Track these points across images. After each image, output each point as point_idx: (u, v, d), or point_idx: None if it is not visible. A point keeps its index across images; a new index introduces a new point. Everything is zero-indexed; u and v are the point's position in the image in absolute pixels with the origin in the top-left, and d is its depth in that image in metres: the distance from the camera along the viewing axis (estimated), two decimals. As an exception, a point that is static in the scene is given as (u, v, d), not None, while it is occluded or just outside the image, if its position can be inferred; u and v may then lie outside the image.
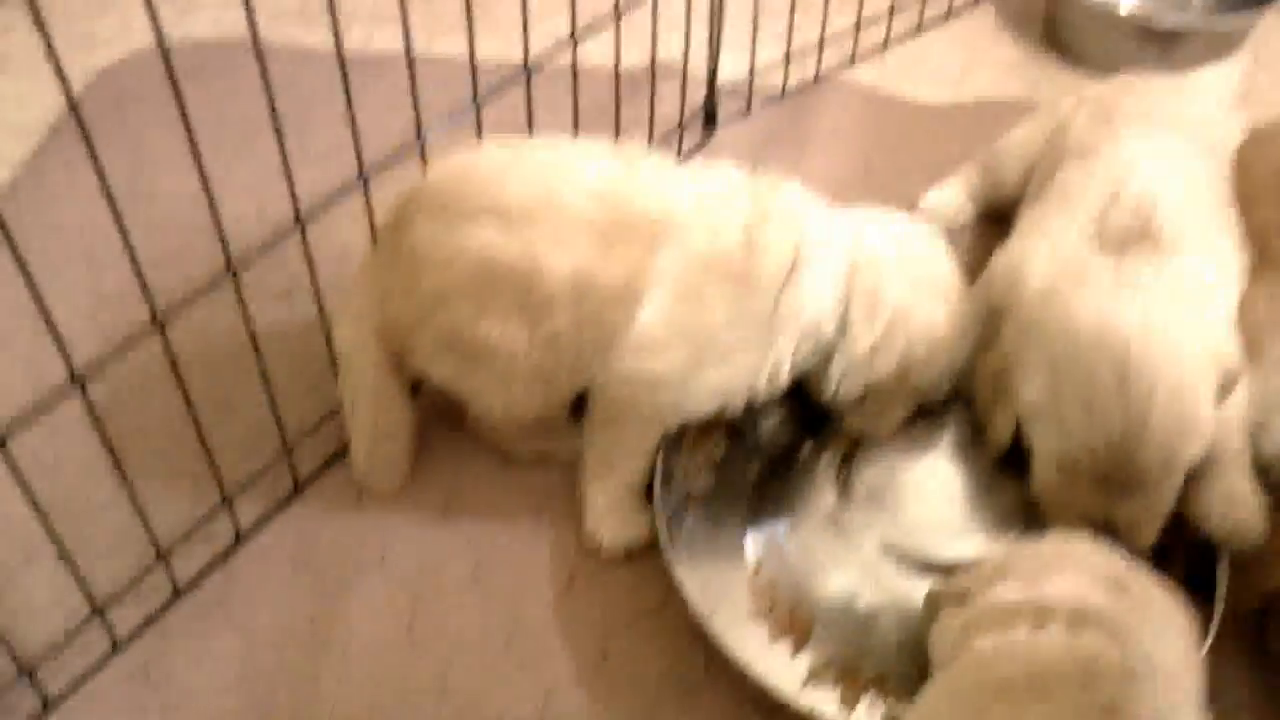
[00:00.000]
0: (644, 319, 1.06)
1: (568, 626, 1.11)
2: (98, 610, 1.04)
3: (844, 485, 1.18)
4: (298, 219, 1.01)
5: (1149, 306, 1.02)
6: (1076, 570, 0.89)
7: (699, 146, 1.64)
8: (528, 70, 1.22)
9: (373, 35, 1.80)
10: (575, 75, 1.34)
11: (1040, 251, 1.15)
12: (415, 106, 1.09)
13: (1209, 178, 1.24)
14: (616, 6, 1.32)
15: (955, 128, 1.68)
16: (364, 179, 1.07)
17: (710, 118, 1.66)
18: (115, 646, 1.07)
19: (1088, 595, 0.86)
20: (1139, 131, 1.25)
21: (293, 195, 0.99)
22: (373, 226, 1.15)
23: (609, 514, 1.15)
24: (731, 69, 1.65)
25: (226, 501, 1.12)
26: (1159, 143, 1.23)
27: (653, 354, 1.06)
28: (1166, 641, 0.85)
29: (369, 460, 1.19)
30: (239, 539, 1.15)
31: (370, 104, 1.14)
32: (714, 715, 1.05)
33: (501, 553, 1.17)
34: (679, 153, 1.61)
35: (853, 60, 1.81)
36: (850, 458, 1.20)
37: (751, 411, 1.16)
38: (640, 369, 1.07)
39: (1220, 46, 1.80)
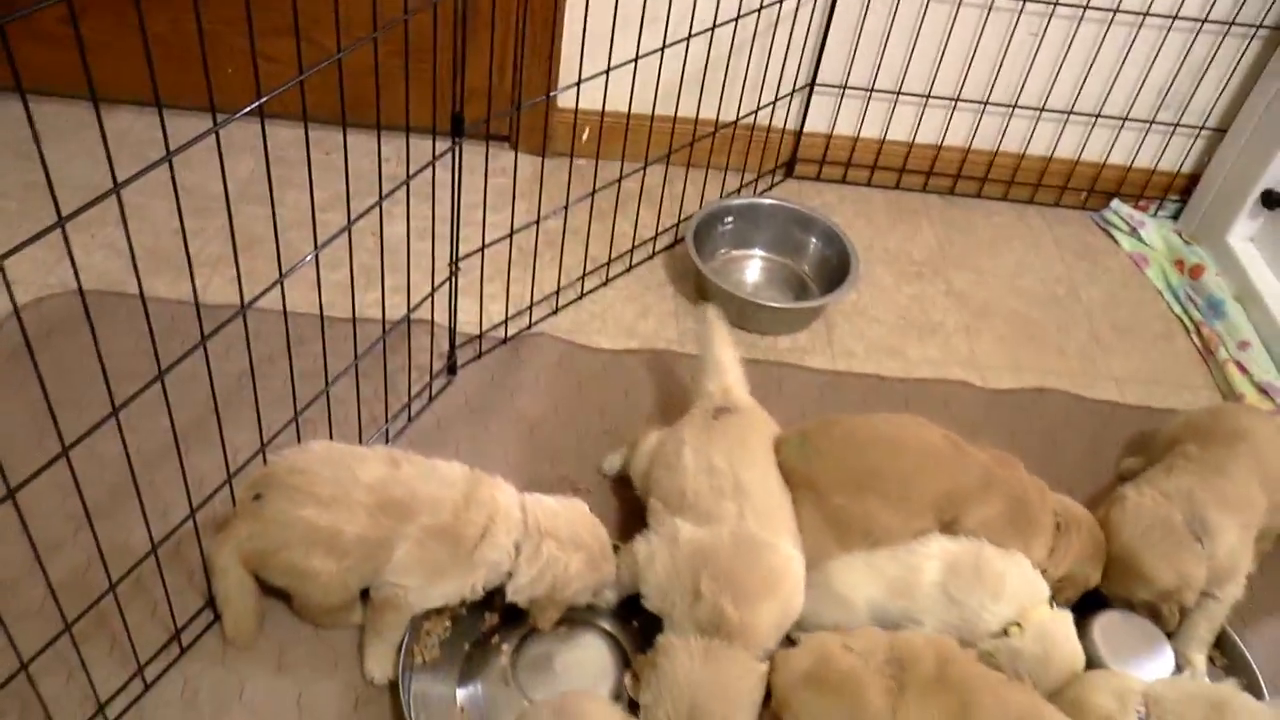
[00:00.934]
0: (396, 559, 1.82)
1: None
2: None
3: (516, 657, 1.96)
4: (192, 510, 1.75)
5: None
6: None
7: (446, 386, 2.41)
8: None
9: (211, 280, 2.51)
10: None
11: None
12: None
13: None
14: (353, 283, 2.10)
15: (625, 370, 2.51)
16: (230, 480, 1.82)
17: (452, 368, 2.43)
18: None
19: None
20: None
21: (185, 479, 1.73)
22: (233, 499, 1.88)
23: (377, 662, 1.90)
24: (466, 324, 2.45)
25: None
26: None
27: (400, 578, 1.83)
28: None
29: (234, 629, 1.90)
30: (147, 686, 1.87)
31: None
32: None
33: (316, 685, 1.89)
34: (431, 394, 2.38)
35: (556, 310, 2.63)
36: (525, 639, 1.98)
37: (465, 607, 1.95)
38: (395, 584, 1.84)
39: (807, 318, 2.71)
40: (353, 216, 1.83)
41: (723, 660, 1.71)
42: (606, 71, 2.34)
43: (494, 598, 1.94)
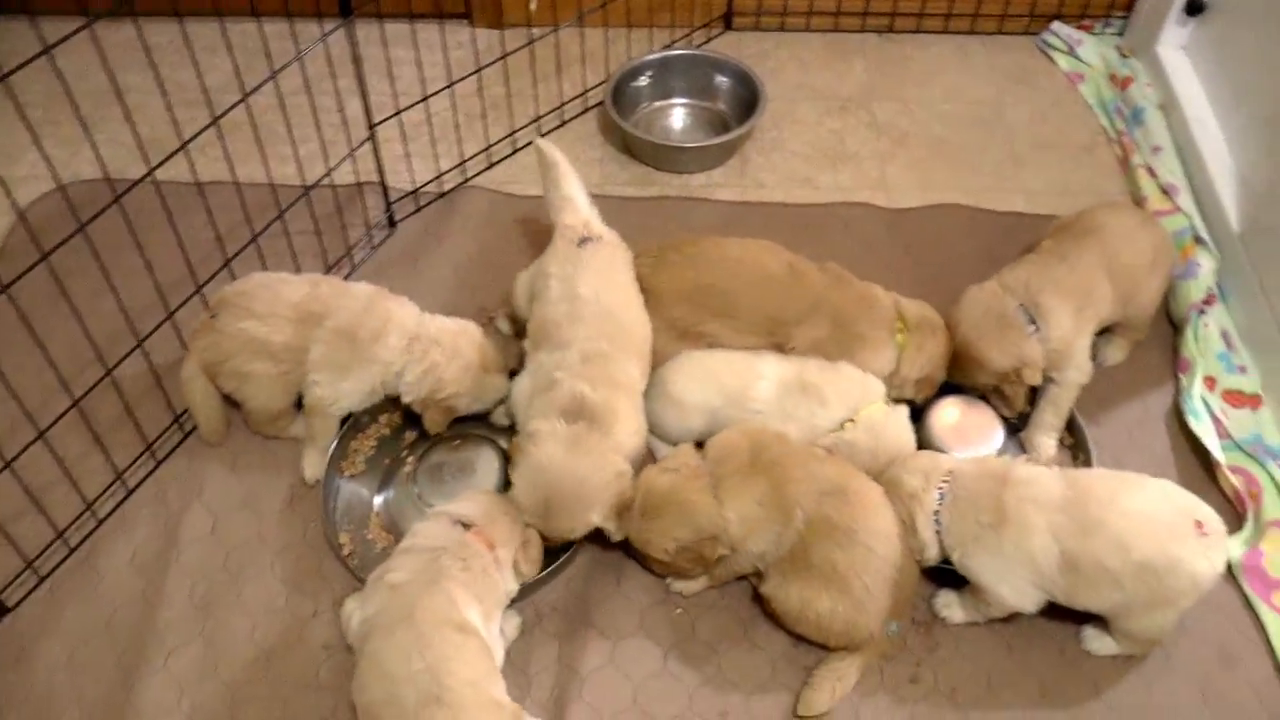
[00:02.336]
0: (311, 357, 2.18)
1: (288, 523, 2.27)
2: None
3: (418, 465, 2.30)
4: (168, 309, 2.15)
5: None
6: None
7: (387, 238, 2.77)
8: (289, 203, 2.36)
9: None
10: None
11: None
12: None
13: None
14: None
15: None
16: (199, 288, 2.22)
17: (392, 221, 2.78)
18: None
19: None
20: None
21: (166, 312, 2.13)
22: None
23: (310, 465, 2.29)
24: (407, 181, 2.79)
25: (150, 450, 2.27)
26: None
27: (315, 374, 2.19)
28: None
29: (205, 428, 2.32)
30: (129, 491, 2.30)
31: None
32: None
33: (261, 483, 2.29)
34: (374, 245, 2.74)
35: (491, 165, 2.94)
36: (427, 451, 2.33)
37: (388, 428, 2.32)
38: (312, 381, 2.21)
39: (722, 154, 2.97)
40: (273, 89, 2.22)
41: (585, 446, 1.98)
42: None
43: (411, 421, 2.31)
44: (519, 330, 2.41)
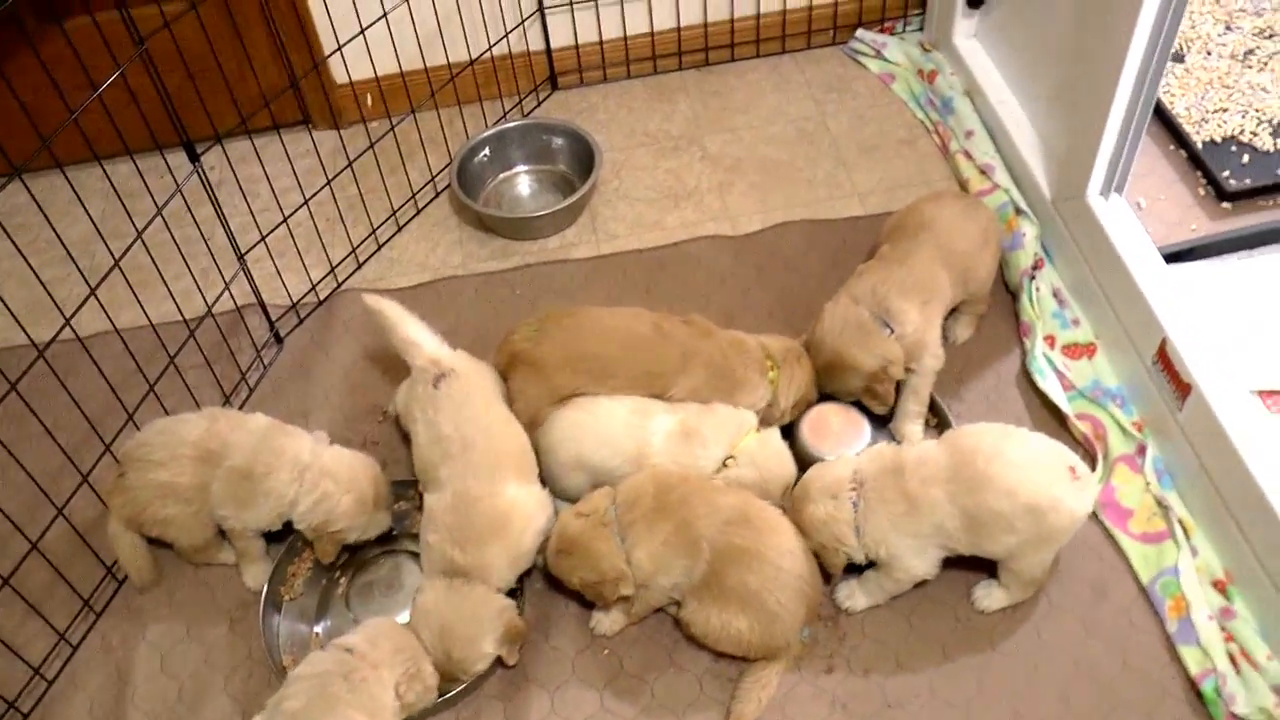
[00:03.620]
0: (214, 494, 2.30)
1: (232, 645, 2.39)
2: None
3: (350, 586, 2.45)
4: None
5: None
6: None
7: (277, 355, 2.90)
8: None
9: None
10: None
11: None
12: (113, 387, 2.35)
13: None
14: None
15: (420, 302, 2.96)
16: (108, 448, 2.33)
17: (278, 338, 2.92)
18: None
19: None
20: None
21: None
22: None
23: (250, 576, 2.42)
24: (284, 296, 2.93)
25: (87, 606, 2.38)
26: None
27: (219, 509, 2.31)
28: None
29: (137, 577, 2.42)
30: (74, 648, 2.40)
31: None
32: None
33: (200, 613, 2.41)
34: (266, 364, 2.87)
35: (360, 265, 3.09)
36: (358, 571, 2.47)
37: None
38: (221, 515, 2.33)
39: (571, 214, 3.15)
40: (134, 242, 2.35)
41: (461, 595, 2.17)
42: (361, 32, 2.79)
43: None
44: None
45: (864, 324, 2.47)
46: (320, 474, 2.31)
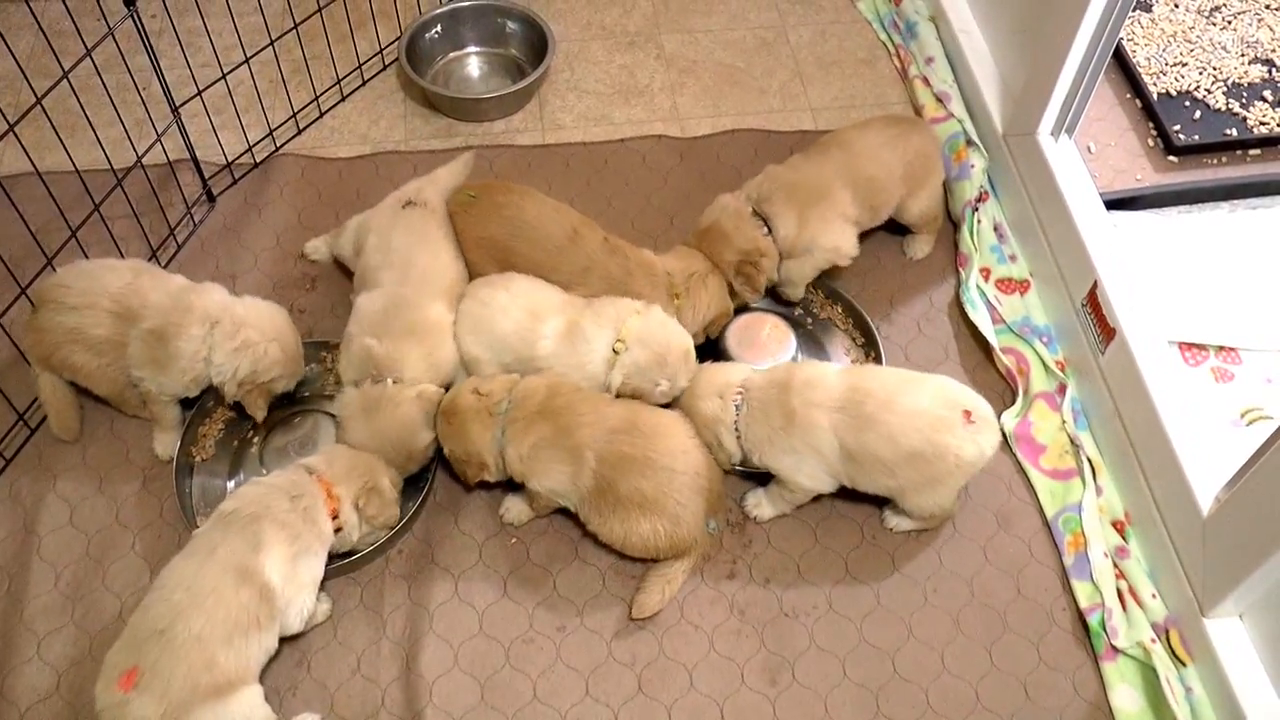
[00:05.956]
0: (130, 355, 2.26)
1: (145, 503, 2.37)
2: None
3: (264, 445, 2.44)
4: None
5: None
6: None
7: (209, 213, 2.84)
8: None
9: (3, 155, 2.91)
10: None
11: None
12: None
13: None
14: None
15: (358, 174, 2.92)
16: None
17: (210, 196, 2.85)
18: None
19: None
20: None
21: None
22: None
23: (160, 444, 2.39)
24: (219, 155, 2.86)
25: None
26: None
27: (135, 370, 2.28)
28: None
29: (56, 424, 2.39)
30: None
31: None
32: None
33: (113, 468, 2.38)
34: (196, 221, 2.81)
35: (300, 131, 3.02)
36: (271, 430, 2.46)
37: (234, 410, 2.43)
38: (137, 377, 2.29)
39: (519, 99, 3.09)
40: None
41: (377, 395, 2.21)
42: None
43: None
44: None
45: (742, 213, 2.53)
46: (236, 324, 2.27)
